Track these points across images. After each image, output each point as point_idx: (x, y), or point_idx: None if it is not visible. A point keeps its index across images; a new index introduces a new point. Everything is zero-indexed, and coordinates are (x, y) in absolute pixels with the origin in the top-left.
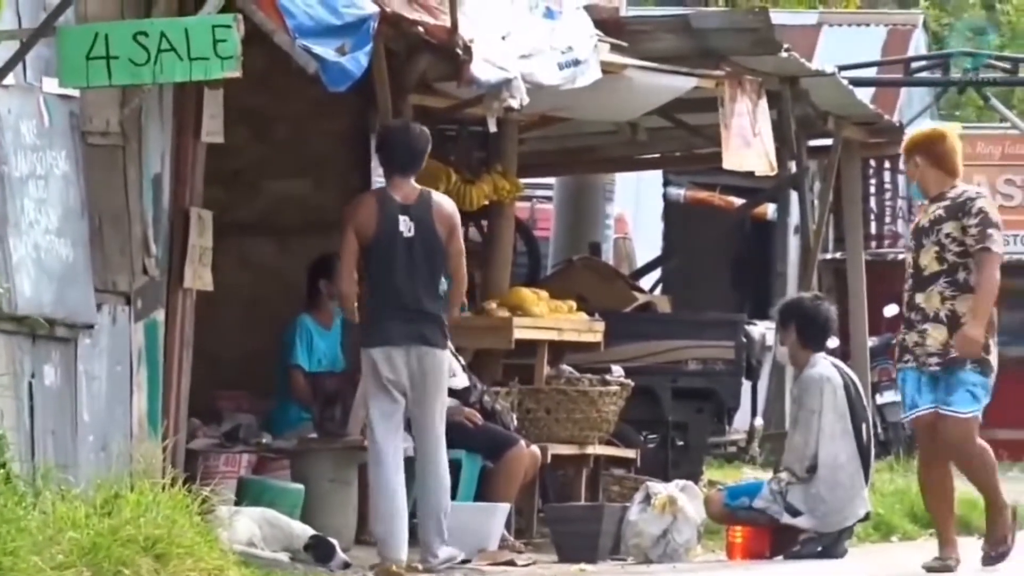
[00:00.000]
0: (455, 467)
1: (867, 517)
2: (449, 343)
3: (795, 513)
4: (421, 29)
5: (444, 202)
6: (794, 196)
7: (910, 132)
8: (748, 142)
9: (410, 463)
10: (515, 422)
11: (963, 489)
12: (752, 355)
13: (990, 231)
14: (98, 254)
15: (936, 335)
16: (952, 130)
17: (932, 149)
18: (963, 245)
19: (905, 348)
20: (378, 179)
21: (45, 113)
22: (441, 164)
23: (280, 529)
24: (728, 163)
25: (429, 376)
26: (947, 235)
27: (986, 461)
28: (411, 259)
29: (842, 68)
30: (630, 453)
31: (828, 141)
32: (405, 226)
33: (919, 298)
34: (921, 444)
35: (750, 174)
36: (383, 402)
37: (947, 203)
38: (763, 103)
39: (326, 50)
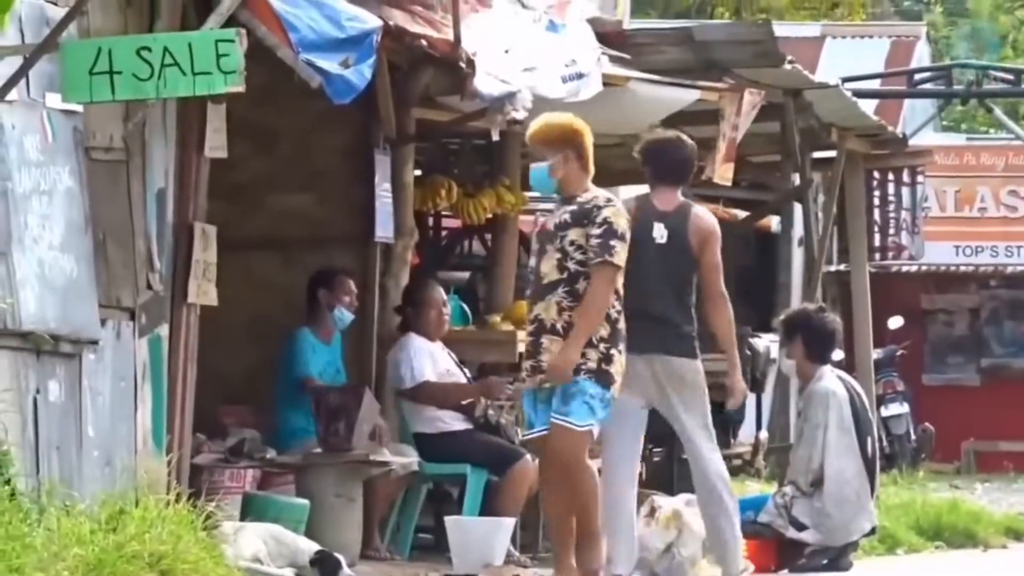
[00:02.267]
0: (460, 481)
1: (873, 531)
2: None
3: (800, 527)
4: (424, 43)
5: (703, 215)
6: (798, 208)
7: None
8: (732, 156)
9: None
10: (520, 436)
11: (971, 500)
12: (756, 368)
13: (613, 243)
14: (102, 269)
15: (553, 349)
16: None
17: (582, 143)
18: (586, 254)
19: (524, 361)
20: (382, 193)
21: (49, 128)
22: (443, 177)
23: (285, 544)
24: (718, 176)
25: (674, 385)
26: (571, 242)
27: (590, 484)
28: (662, 266)
29: (845, 80)
30: None
31: (832, 153)
32: (659, 232)
33: (538, 308)
34: (540, 463)
35: (755, 186)
36: (621, 407)
37: (575, 207)
38: (753, 114)
39: (330, 63)
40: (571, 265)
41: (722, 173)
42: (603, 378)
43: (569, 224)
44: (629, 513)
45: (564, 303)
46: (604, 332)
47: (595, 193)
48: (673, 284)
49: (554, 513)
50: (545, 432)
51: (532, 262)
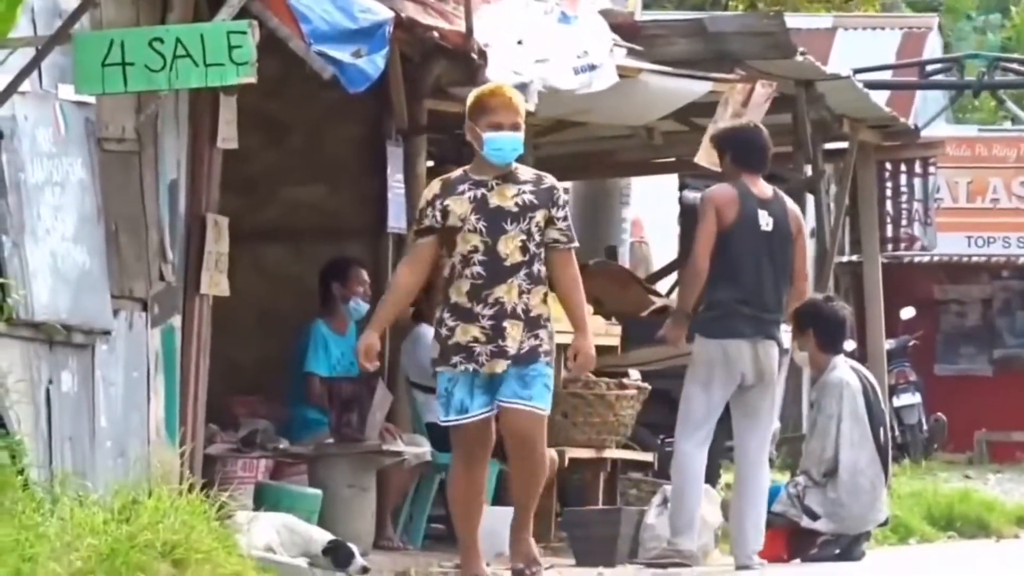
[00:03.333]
0: None
1: (886, 523)
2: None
3: (813, 516)
4: (436, 34)
5: (791, 203)
6: (810, 199)
7: (930, 134)
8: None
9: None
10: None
11: (983, 490)
12: None
13: (571, 227)
14: (114, 260)
15: (515, 334)
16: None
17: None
18: (542, 235)
19: (459, 346)
20: (395, 184)
21: (61, 120)
22: (456, 168)
23: (298, 534)
24: (706, 159)
25: (770, 371)
26: (537, 224)
27: (548, 469)
28: (769, 253)
29: (857, 71)
30: (648, 456)
31: (844, 144)
32: (764, 220)
33: (499, 290)
34: (464, 447)
35: (767, 177)
36: (715, 395)
37: (530, 186)
38: (765, 106)
39: (342, 54)
40: (532, 247)
41: (708, 157)
42: (552, 359)
43: (536, 205)
44: (700, 490)
45: (523, 286)
46: (548, 312)
47: (534, 171)
48: (777, 271)
49: (466, 498)
50: (486, 415)
51: (476, 241)
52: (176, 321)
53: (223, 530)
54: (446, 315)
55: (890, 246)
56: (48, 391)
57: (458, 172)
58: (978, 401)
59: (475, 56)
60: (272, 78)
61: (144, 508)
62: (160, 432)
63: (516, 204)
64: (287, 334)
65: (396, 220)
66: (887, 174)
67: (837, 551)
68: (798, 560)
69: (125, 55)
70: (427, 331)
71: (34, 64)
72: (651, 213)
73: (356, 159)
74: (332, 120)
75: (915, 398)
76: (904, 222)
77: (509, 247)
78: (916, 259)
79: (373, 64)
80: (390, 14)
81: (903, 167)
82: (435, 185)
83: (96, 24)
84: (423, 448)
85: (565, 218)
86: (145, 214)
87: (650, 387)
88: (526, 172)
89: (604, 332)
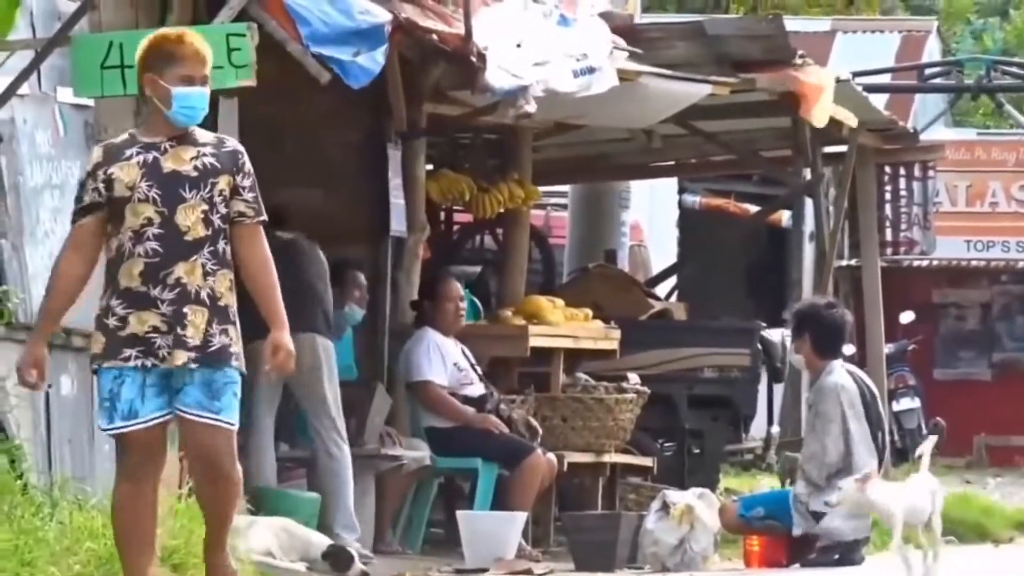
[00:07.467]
0: (472, 475)
1: None
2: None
3: (819, 518)
4: (435, 37)
5: None
6: (809, 203)
7: (929, 135)
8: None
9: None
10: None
11: (982, 494)
12: (776, 358)
13: (260, 199)
14: None
15: (198, 321)
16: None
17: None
18: (227, 207)
19: (136, 338)
20: (395, 188)
21: (60, 123)
22: (458, 174)
23: (297, 538)
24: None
25: (309, 364)
26: (220, 192)
27: (240, 489)
28: None
29: (856, 75)
30: (647, 461)
31: (843, 148)
32: None
33: (180, 269)
34: (133, 460)
35: (766, 181)
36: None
37: (211, 148)
38: None
39: (343, 54)
40: (216, 220)
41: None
42: (243, 363)
43: (219, 170)
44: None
45: (208, 266)
46: (235, 303)
47: (213, 134)
48: None
49: (133, 522)
50: (160, 421)
51: (149, 213)
52: None
53: None
54: (115, 303)
55: (889, 250)
56: (47, 395)
57: (124, 135)
58: (977, 405)
59: (474, 59)
60: (271, 81)
61: None
62: None
63: (195, 168)
64: None
65: (398, 224)
66: (886, 178)
67: (836, 556)
68: (797, 565)
69: (124, 58)
70: (429, 335)
71: (33, 67)
72: (650, 216)
73: (354, 163)
74: (330, 123)
75: (914, 402)
76: (903, 226)
77: (190, 218)
78: (915, 263)
79: (373, 60)
80: (388, 16)
81: (902, 171)
82: (97, 152)
83: (95, 26)
84: (422, 452)
85: (252, 188)
86: None
87: (649, 391)
88: (204, 134)
89: (603, 336)
